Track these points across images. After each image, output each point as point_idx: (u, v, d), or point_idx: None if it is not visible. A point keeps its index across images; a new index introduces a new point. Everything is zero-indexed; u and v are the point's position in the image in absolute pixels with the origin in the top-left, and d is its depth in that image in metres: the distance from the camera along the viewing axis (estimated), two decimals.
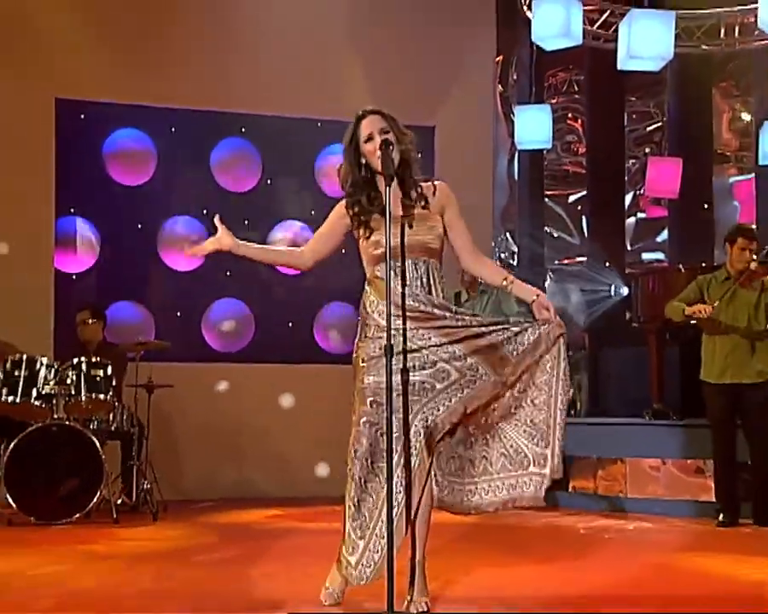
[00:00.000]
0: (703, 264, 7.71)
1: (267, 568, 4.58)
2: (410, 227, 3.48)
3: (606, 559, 5.01)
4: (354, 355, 3.50)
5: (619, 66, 8.70)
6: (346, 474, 3.46)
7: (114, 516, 6.19)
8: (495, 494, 3.42)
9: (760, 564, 4.72)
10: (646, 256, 11.73)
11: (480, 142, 9.11)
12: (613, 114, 11.01)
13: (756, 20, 9.72)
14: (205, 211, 8.52)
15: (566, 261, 11.46)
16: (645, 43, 8.24)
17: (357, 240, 3.59)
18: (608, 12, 9.64)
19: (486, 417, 3.44)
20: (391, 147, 3.43)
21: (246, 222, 8.25)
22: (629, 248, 11.43)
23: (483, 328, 3.42)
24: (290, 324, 8.74)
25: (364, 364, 3.43)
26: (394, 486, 3.26)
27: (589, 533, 6.02)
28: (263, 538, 5.75)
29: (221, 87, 8.39)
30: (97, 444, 6.19)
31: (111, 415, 6.69)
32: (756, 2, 9.07)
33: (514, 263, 10.97)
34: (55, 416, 6.28)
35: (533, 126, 9.51)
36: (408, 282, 3.44)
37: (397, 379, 3.32)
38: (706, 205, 10.96)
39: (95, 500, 6.13)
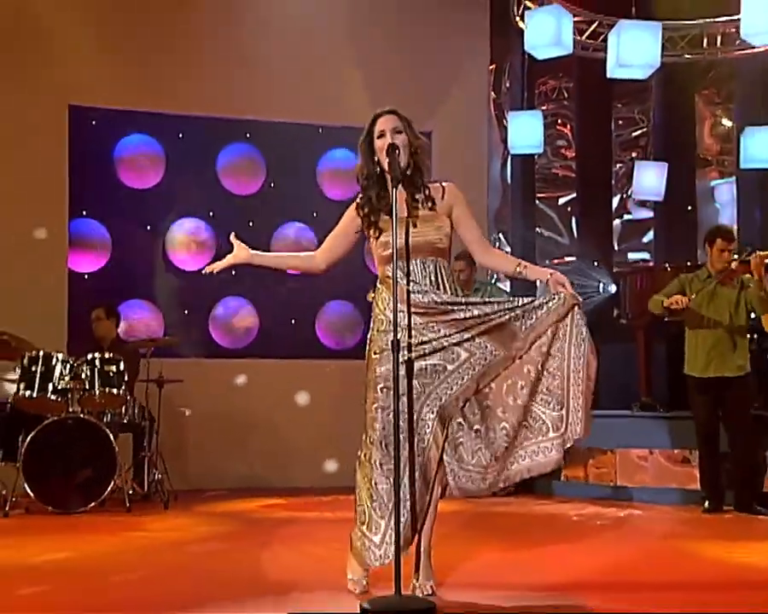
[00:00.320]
0: (688, 263, 7.74)
1: (275, 553, 4.60)
2: (414, 226, 3.49)
3: (600, 545, 5.02)
4: (367, 348, 3.53)
5: (609, 74, 8.71)
6: (349, 464, 3.48)
7: (127, 505, 6.19)
8: (519, 462, 3.39)
9: (744, 548, 4.76)
10: (633, 255, 11.77)
11: (474, 147, 9.14)
12: (601, 120, 11.06)
13: (736, 31, 9.78)
14: (211, 213, 8.57)
15: (556, 260, 11.50)
16: (633, 52, 8.25)
17: (368, 240, 3.62)
18: (597, 22, 9.67)
19: (516, 396, 3.40)
20: (397, 151, 3.44)
21: (250, 223, 8.25)
22: (616, 248, 11.47)
23: (492, 315, 3.43)
24: (293, 321, 8.75)
25: (376, 355, 3.46)
26: (410, 471, 3.33)
27: (581, 520, 6.03)
28: (269, 525, 5.75)
29: (227, 95, 8.39)
30: (111, 437, 6.19)
31: (123, 409, 6.69)
32: (737, 13, 9.12)
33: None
34: (71, 410, 6.28)
35: (526, 132, 9.53)
36: (417, 281, 3.46)
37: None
38: (689, 207, 11.01)
39: (108, 489, 6.14)
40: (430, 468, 3.39)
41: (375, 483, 3.40)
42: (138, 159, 8.48)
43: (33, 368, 6.24)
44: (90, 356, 6.38)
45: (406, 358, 3.37)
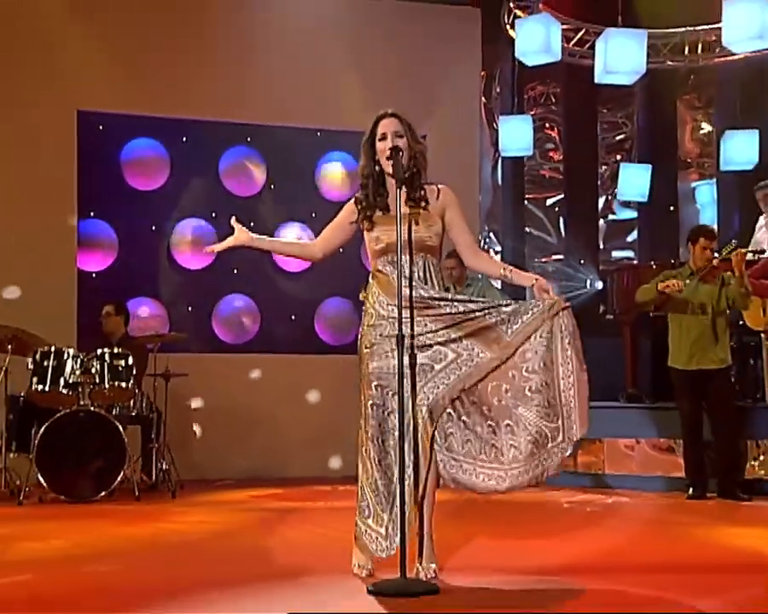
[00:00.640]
0: (672, 261, 7.79)
1: (281, 539, 4.62)
2: (417, 224, 3.51)
3: (591, 530, 5.04)
4: (359, 341, 3.54)
5: (597, 80, 8.74)
6: (349, 455, 3.49)
7: (136, 494, 6.21)
8: (523, 476, 3.34)
9: (727, 532, 4.82)
10: (617, 254, 11.82)
11: (467, 149, 9.16)
12: (587, 124, 11.11)
13: (716, 38, 9.84)
14: (214, 214, 8.56)
15: (545, 258, 11.54)
16: (620, 59, 8.30)
17: (362, 234, 3.62)
18: (583, 31, 9.72)
19: (500, 398, 3.38)
20: (401, 154, 3.47)
21: (251, 223, 8.13)
22: (602, 247, 11.52)
23: (477, 313, 3.43)
24: (293, 317, 8.77)
25: (368, 350, 3.47)
26: (403, 466, 3.31)
27: (572, 506, 6.06)
28: (273, 513, 5.76)
29: (228, 100, 8.40)
30: (120, 429, 6.21)
31: (132, 402, 6.71)
32: (717, 22, 9.17)
33: (499, 259, 11.05)
34: (81, 403, 6.29)
35: (516, 135, 9.55)
36: (407, 276, 3.45)
37: (397, 362, 3.35)
38: (671, 208, 11.07)
39: (118, 479, 6.15)
40: (422, 463, 3.38)
41: (376, 480, 3.41)
42: (143, 161, 8.48)
43: (45, 363, 6.25)
44: (99, 352, 6.40)
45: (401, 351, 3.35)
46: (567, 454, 3.35)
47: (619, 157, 11.56)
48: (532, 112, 11.01)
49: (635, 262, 10.87)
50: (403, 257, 3.44)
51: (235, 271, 8.49)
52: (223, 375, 8.28)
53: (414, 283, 3.45)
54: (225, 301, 8.67)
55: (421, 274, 3.49)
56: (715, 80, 10.97)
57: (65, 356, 6.31)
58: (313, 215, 8.57)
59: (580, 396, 3.35)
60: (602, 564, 3.91)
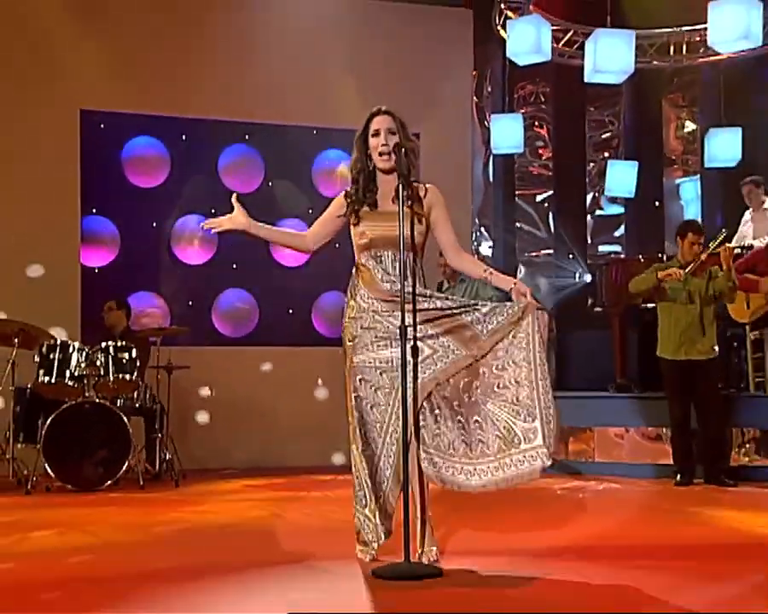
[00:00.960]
0: (659, 255, 7.84)
1: (285, 525, 4.63)
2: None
3: (584, 515, 5.12)
4: (342, 334, 3.55)
5: (586, 79, 8.76)
6: (345, 445, 3.51)
7: (141, 483, 6.23)
8: (493, 474, 3.28)
9: (712, 517, 4.87)
10: (605, 249, 11.84)
11: (459, 147, 9.19)
12: (576, 123, 11.12)
13: (701, 39, 9.89)
14: (213, 211, 8.47)
15: (534, 253, 11.55)
16: (609, 59, 8.31)
17: (349, 228, 3.61)
18: (572, 31, 9.74)
19: (470, 395, 3.36)
20: (403, 150, 3.48)
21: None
22: (590, 242, 11.55)
23: (454, 310, 3.43)
24: (290, 311, 8.78)
25: (350, 343, 3.48)
26: (385, 455, 3.41)
27: (565, 493, 6.10)
28: (276, 501, 5.77)
29: (227, 99, 8.40)
30: (125, 419, 6.22)
31: (135, 394, 6.73)
32: (701, 23, 9.22)
33: (490, 254, 11.06)
34: (86, 395, 6.30)
35: (507, 133, 9.56)
36: (389, 271, 3.47)
37: (378, 356, 3.41)
38: (657, 204, 11.12)
39: (123, 469, 6.17)
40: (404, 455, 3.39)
41: (359, 469, 3.44)
42: (144, 159, 8.46)
43: (51, 356, 6.26)
44: (104, 345, 6.41)
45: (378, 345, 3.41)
46: (547, 464, 3.21)
47: (606, 154, 11.57)
48: (522, 111, 11.01)
49: (622, 256, 10.91)
50: (386, 252, 3.47)
51: (234, 266, 8.49)
52: (223, 368, 8.28)
53: (393, 278, 3.45)
54: (224, 295, 8.66)
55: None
56: (699, 80, 11.01)
57: (70, 349, 6.32)
58: (310, 211, 8.54)
59: (550, 403, 3.27)
60: (596, 545, 3.96)
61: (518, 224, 11.33)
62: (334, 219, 3.66)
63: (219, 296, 8.64)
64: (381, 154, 3.51)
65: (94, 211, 8.27)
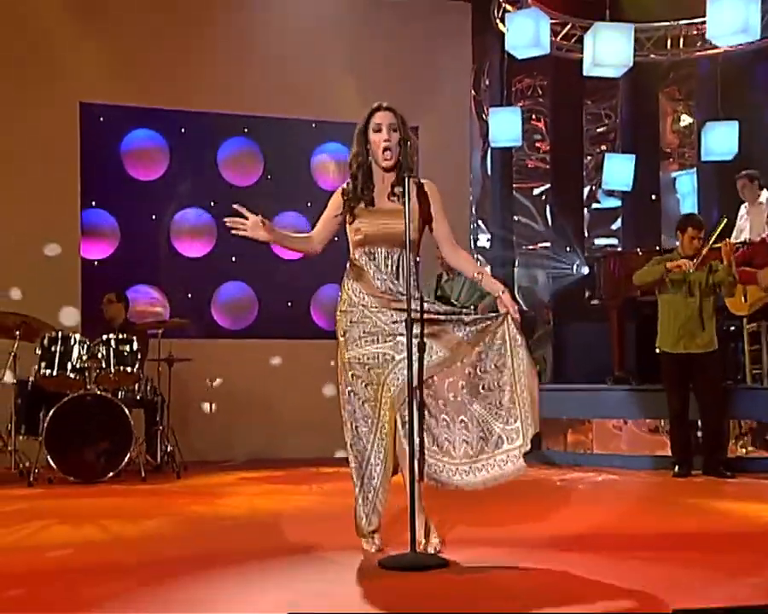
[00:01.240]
0: (657, 248, 7.84)
1: (289, 517, 4.63)
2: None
3: (584, 506, 5.12)
4: (335, 326, 3.55)
5: (585, 73, 8.75)
6: (343, 438, 3.52)
7: (142, 475, 6.23)
8: (475, 474, 3.32)
9: (711, 507, 4.89)
10: (602, 241, 11.88)
11: (458, 140, 9.19)
12: (573, 116, 11.13)
13: (697, 33, 9.89)
14: (212, 204, 8.55)
15: (532, 246, 11.58)
16: (608, 53, 8.30)
17: (345, 224, 3.60)
18: (570, 25, 9.74)
19: (456, 394, 3.38)
20: (409, 144, 3.47)
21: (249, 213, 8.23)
22: (587, 235, 11.58)
23: (439, 316, 3.43)
24: (289, 303, 8.78)
25: (342, 338, 3.48)
26: (375, 450, 3.41)
27: (564, 484, 6.12)
28: (277, 493, 5.79)
29: (226, 92, 8.39)
30: (126, 412, 6.21)
31: (136, 386, 6.72)
32: (698, 16, 9.23)
33: (488, 246, 11.08)
34: (88, 387, 6.28)
35: (505, 126, 9.55)
36: (381, 268, 3.47)
37: (366, 351, 3.41)
38: (653, 197, 11.13)
39: (125, 461, 6.16)
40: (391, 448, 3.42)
41: (350, 463, 3.46)
42: (143, 152, 8.45)
43: (53, 348, 6.25)
44: (105, 337, 6.39)
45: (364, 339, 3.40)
46: (521, 459, 3.28)
47: (603, 147, 11.61)
48: (520, 104, 11.03)
49: (619, 249, 10.93)
50: (379, 249, 3.46)
51: (234, 259, 8.48)
52: (223, 361, 8.29)
53: (385, 276, 3.45)
54: (224, 288, 8.66)
55: (394, 268, 3.47)
56: (695, 73, 11.03)
57: (72, 342, 6.30)
58: (308, 204, 8.55)
59: (533, 399, 3.33)
60: (597, 534, 3.98)
61: (516, 217, 11.36)
62: (332, 219, 3.65)
63: (219, 288, 8.63)
64: (384, 151, 3.48)
65: (93, 203, 8.25)
